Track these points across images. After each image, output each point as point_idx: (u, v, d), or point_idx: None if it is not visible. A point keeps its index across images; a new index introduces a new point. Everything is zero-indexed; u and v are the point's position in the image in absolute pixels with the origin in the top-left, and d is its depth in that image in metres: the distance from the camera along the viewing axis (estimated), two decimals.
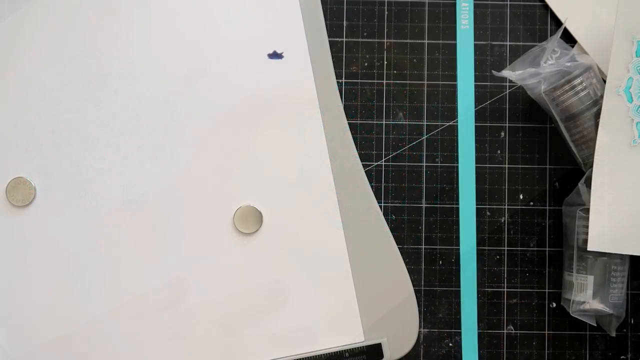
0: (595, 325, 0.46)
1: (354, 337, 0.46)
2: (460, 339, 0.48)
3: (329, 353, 0.45)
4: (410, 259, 0.48)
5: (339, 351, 0.45)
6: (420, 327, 0.48)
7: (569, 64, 0.44)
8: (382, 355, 0.46)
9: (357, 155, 0.46)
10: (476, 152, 0.49)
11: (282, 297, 0.45)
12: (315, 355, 0.45)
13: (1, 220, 0.45)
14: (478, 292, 0.48)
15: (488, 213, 0.49)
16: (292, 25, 0.46)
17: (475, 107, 0.49)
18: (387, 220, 0.48)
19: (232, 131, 0.46)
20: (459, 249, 0.48)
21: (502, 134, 0.49)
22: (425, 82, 0.49)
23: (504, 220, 0.49)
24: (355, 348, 0.45)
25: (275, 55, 0.46)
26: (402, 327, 0.46)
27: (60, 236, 0.45)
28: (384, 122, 0.49)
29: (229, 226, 0.45)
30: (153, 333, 0.45)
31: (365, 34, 0.49)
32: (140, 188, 0.45)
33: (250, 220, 0.45)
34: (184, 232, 0.45)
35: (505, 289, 0.49)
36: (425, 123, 0.49)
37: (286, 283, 0.45)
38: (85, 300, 0.45)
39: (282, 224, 0.45)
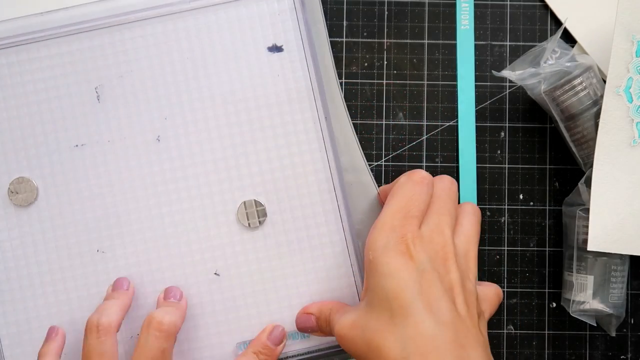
0: (595, 325, 0.46)
1: None
2: None
3: (333, 345, 0.45)
4: None
5: None
6: None
7: (569, 64, 0.44)
8: None
9: (359, 147, 0.46)
10: (476, 152, 0.49)
11: (286, 291, 0.45)
12: (320, 348, 0.45)
13: (4, 220, 0.45)
14: None
15: (488, 213, 0.49)
16: (292, 18, 0.46)
17: (475, 107, 0.49)
18: None
19: (233, 125, 0.46)
20: None
21: (502, 134, 0.49)
22: (425, 82, 0.49)
23: (504, 220, 0.49)
24: None
25: (275, 49, 0.46)
26: None
27: (63, 235, 0.45)
28: (384, 122, 0.49)
29: (233, 220, 0.46)
30: None
31: (365, 34, 0.49)
32: (143, 185, 0.45)
33: (254, 214, 0.45)
34: (188, 226, 0.45)
35: (505, 289, 0.49)
36: (425, 123, 0.49)
37: (289, 277, 0.45)
38: (89, 299, 0.45)
39: (285, 218, 0.46)
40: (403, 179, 0.41)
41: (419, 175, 0.40)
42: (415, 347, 0.35)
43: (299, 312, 0.45)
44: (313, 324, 0.44)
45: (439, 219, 0.39)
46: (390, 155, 0.49)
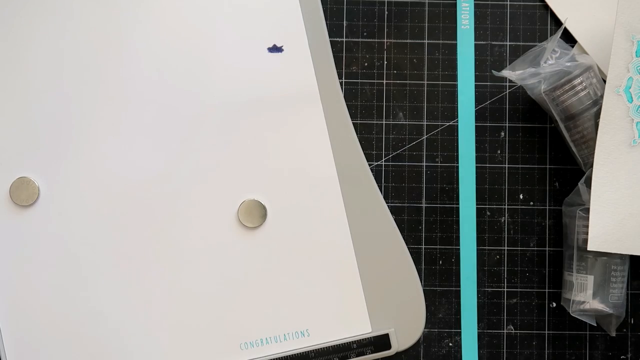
0: (595, 325, 0.46)
1: (361, 328, 0.46)
2: (460, 339, 0.48)
3: (337, 345, 0.45)
4: None
5: (347, 342, 0.46)
6: None
7: (569, 64, 0.44)
8: (389, 346, 0.46)
9: (360, 147, 0.46)
10: (476, 152, 0.49)
11: (288, 290, 0.46)
12: (323, 347, 0.45)
13: (5, 220, 0.45)
14: (478, 292, 0.48)
15: (488, 213, 0.49)
16: (292, 18, 0.46)
17: (475, 107, 0.49)
18: None
19: (234, 125, 0.46)
20: (459, 249, 0.48)
21: (502, 134, 0.49)
22: (425, 82, 0.49)
23: (504, 220, 0.49)
24: (363, 339, 0.46)
25: (275, 49, 0.46)
26: (409, 317, 0.46)
27: (65, 235, 0.45)
28: (384, 122, 0.49)
29: (234, 220, 0.46)
30: (158, 329, 0.45)
31: (365, 34, 0.49)
32: (144, 184, 0.46)
33: (255, 214, 0.45)
34: (189, 227, 0.45)
35: (505, 289, 0.49)
36: (425, 123, 0.49)
37: (291, 276, 0.46)
38: (90, 298, 0.45)
39: (286, 218, 0.46)
40: None
41: None
42: None
43: None
44: None
45: None
46: (390, 155, 0.49)
